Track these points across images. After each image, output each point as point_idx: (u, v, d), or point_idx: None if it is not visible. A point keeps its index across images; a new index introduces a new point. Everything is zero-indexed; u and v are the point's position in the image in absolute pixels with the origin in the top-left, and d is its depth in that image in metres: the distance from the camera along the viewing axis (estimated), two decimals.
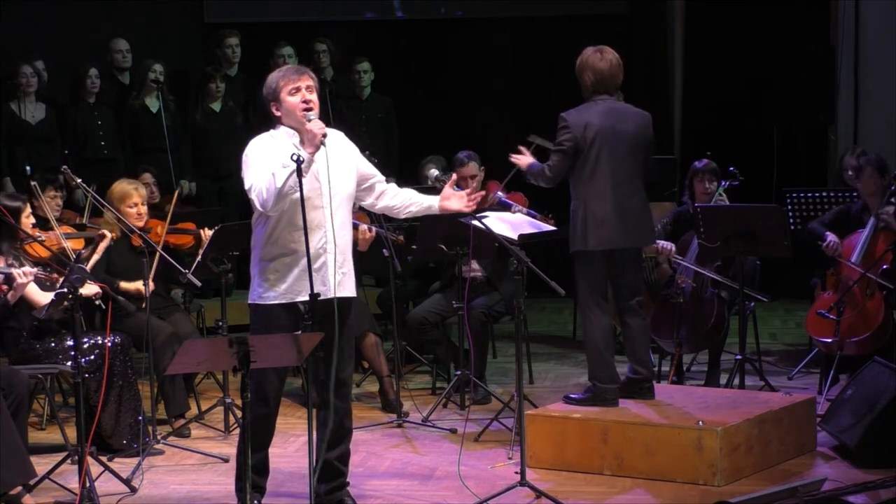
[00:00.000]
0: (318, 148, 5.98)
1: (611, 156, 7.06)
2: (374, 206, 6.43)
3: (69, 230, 8.00)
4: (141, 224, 8.02)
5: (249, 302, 6.29)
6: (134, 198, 8.09)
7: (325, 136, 5.99)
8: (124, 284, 7.86)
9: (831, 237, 8.30)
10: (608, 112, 7.09)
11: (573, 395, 7.29)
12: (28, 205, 7.49)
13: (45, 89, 10.80)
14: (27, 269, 6.70)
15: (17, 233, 7.14)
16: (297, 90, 6.08)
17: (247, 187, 6.06)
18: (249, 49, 11.71)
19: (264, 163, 6.00)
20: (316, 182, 6.03)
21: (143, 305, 7.55)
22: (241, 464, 6.06)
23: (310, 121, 6.01)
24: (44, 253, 7.24)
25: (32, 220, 7.48)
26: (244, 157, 6.11)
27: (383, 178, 6.42)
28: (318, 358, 5.96)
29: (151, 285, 7.60)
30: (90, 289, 6.93)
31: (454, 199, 6.36)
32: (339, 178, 6.12)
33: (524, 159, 7.38)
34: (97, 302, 7.12)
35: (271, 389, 6.17)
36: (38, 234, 7.37)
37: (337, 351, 6.02)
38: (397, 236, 8.28)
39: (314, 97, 6.10)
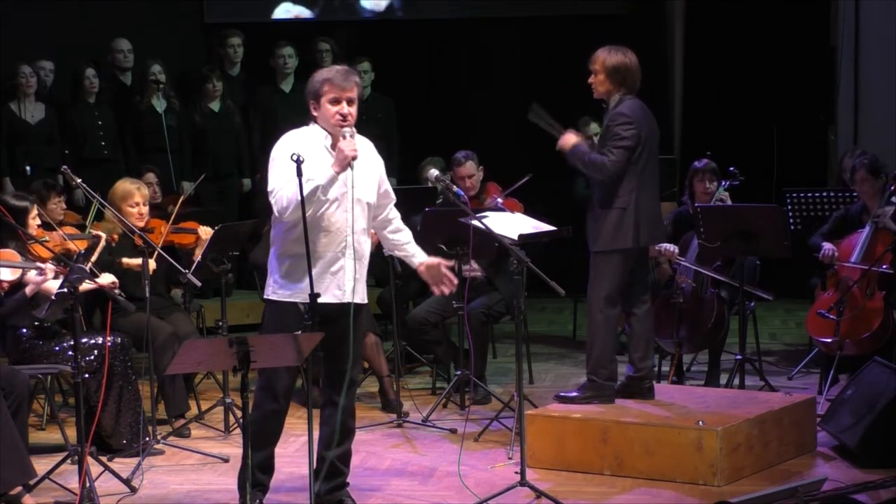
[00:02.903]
0: (344, 169, 5.93)
1: (653, 154, 7.12)
2: (376, 227, 6.37)
3: (72, 231, 7.99)
4: (142, 224, 8.02)
5: (264, 296, 6.29)
6: (136, 197, 8.09)
7: (354, 158, 5.94)
8: (126, 261, 7.83)
9: (826, 247, 8.31)
10: (645, 110, 7.15)
11: (567, 394, 7.28)
12: (35, 206, 7.50)
13: (43, 89, 10.80)
14: (49, 265, 6.77)
15: (19, 234, 7.14)
16: (338, 101, 6.01)
17: (269, 189, 6.05)
18: (249, 49, 11.71)
19: (291, 168, 5.89)
20: (343, 187, 6.00)
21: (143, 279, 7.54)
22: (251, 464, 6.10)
23: (345, 137, 5.96)
24: (47, 254, 7.25)
25: (38, 220, 7.49)
26: (272, 153, 6.07)
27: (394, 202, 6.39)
28: (319, 358, 5.95)
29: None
30: (106, 279, 6.99)
31: (434, 271, 6.26)
32: (364, 185, 6.11)
33: (568, 138, 7.17)
34: (117, 292, 7.03)
35: (281, 386, 6.16)
36: (42, 235, 7.39)
37: (350, 353, 6.04)
38: None
39: (354, 110, 6.04)
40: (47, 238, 7.39)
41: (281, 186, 5.96)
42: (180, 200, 8.50)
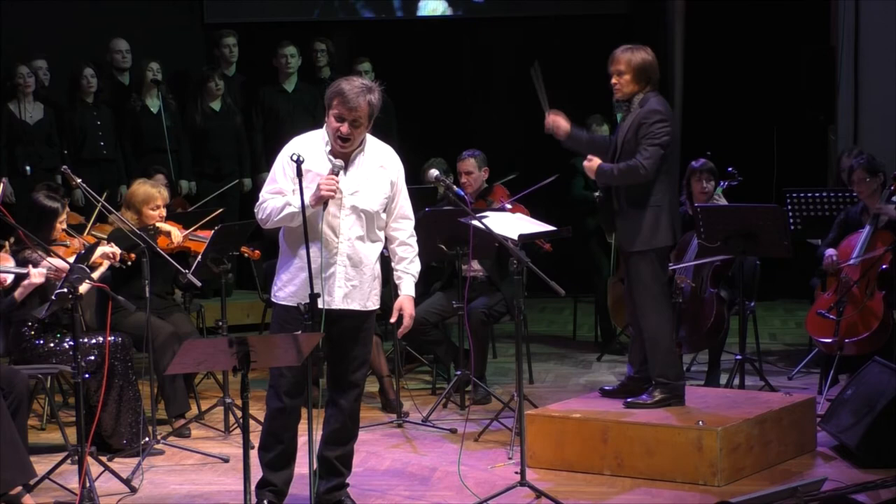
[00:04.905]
0: (318, 205, 5.94)
1: (676, 152, 7.10)
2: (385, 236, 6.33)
3: (92, 240, 7.97)
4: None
5: (270, 297, 6.38)
6: (157, 200, 8.13)
7: (330, 198, 5.93)
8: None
9: (828, 253, 8.29)
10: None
11: (637, 399, 7.09)
12: (66, 208, 7.50)
13: (42, 89, 10.81)
14: (41, 269, 6.76)
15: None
16: (342, 119, 6.00)
17: (260, 193, 6.11)
18: (250, 49, 11.69)
19: (285, 183, 5.97)
20: (338, 193, 6.01)
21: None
22: (262, 463, 6.15)
23: (332, 172, 5.95)
24: (66, 257, 7.23)
25: (65, 224, 7.49)
26: (279, 155, 6.10)
27: (411, 222, 6.31)
28: (319, 358, 5.96)
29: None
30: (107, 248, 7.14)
31: (399, 310, 6.26)
32: (365, 193, 6.09)
33: (592, 163, 7.06)
34: (118, 265, 7.29)
35: (283, 384, 6.15)
36: (65, 239, 7.42)
37: (341, 356, 6.10)
38: None
39: (356, 130, 6.01)
40: (68, 243, 7.40)
41: (265, 199, 6.07)
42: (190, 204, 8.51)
